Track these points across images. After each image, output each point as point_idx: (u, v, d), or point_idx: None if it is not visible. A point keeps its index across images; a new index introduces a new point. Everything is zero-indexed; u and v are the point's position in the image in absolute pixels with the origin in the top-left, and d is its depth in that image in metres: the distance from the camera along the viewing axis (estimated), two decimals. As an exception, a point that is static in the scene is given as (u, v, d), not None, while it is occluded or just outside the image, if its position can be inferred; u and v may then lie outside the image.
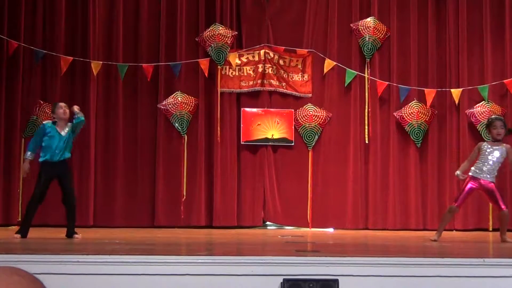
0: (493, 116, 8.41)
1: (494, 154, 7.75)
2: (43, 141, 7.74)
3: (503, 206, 7.79)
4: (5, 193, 10.70)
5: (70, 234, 7.74)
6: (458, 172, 7.89)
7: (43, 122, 8.10)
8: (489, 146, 7.77)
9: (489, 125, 7.89)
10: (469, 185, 7.75)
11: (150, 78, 10.93)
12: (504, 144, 7.82)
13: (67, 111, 7.92)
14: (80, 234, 7.86)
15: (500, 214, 7.84)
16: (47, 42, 10.97)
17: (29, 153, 7.79)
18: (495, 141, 7.76)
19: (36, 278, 1.30)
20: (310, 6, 11.29)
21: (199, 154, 10.98)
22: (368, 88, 11.15)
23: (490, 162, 7.74)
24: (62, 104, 7.97)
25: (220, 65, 11.07)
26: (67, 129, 7.88)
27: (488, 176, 7.79)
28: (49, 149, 7.70)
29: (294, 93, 11.21)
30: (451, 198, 10.92)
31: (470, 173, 7.74)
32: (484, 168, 7.73)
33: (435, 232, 8.12)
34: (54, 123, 7.82)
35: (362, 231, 10.57)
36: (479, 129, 10.82)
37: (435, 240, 7.66)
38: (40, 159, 7.78)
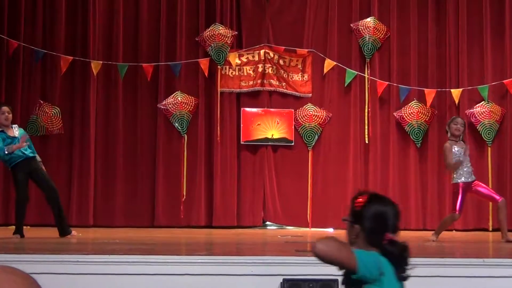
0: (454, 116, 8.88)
1: (465, 152, 7.91)
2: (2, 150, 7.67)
3: (498, 197, 7.83)
4: (5, 193, 10.68)
5: (65, 233, 7.72)
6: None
7: None
8: (458, 148, 7.93)
9: (451, 121, 8.22)
10: (462, 190, 7.78)
11: (150, 78, 10.92)
12: (463, 141, 8.11)
13: (10, 116, 7.84)
14: (76, 232, 7.86)
15: (499, 206, 7.83)
16: (47, 42, 10.95)
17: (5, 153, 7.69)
18: (455, 137, 7.93)
19: (31, 277, 1.29)
20: (310, 6, 11.27)
21: (199, 154, 10.97)
22: (368, 88, 11.14)
23: (468, 160, 7.88)
24: (5, 108, 7.85)
25: (220, 65, 11.06)
26: (16, 130, 7.83)
27: (474, 176, 7.90)
28: (13, 154, 7.65)
29: (294, 93, 11.20)
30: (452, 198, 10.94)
31: (461, 180, 7.76)
32: (469, 170, 7.80)
33: (433, 232, 8.13)
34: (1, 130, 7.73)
35: (362, 231, 10.55)
36: (479, 129, 10.82)
37: (433, 241, 7.67)
38: (10, 166, 7.72)
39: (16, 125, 8.02)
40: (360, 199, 2.76)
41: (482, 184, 8.14)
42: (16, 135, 7.78)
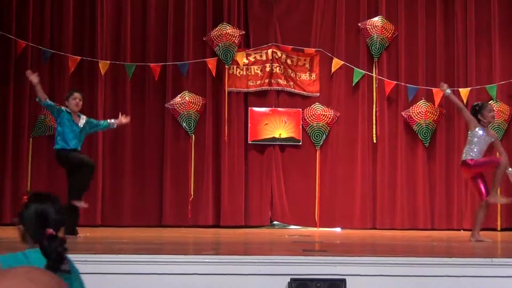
0: (481, 102, 8.28)
1: (487, 140, 7.61)
2: (58, 127, 7.69)
3: (484, 195, 7.65)
4: (13, 193, 10.72)
5: (70, 233, 7.67)
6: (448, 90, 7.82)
7: (62, 107, 7.82)
8: (483, 132, 7.61)
9: (483, 108, 7.71)
10: (475, 168, 7.56)
11: (158, 78, 10.93)
12: (491, 130, 7.78)
13: (81, 103, 7.88)
14: (82, 235, 7.84)
15: (481, 204, 7.70)
16: (55, 42, 10.99)
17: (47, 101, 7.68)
18: (489, 123, 7.66)
19: (60, 281, 1.27)
20: (317, 5, 11.26)
21: (206, 153, 10.98)
22: (376, 87, 11.12)
23: (485, 145, 7.63)
24: (77, 94, 7.87)
25: (228, 65, 11.06)
26: (83, 120, 7.86)
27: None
28: (65, 137, 7.65)
29: (301, 92, 11.19)
30: (459, 198, 10.89)
31: (470, 157, 7.55)
32: (480, 152, 7.61)
33: (470, 232, 7.92)
34: (69, 112, 7.77)
35: (370, 231, 10.55)
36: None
37: (481, 240, 7.47)
38: (57, 147, 7.70)
39: (85, 116, 8.00)
40: (22, 200, 2.86)
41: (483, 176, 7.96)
42: (80, 125, 7.79)
